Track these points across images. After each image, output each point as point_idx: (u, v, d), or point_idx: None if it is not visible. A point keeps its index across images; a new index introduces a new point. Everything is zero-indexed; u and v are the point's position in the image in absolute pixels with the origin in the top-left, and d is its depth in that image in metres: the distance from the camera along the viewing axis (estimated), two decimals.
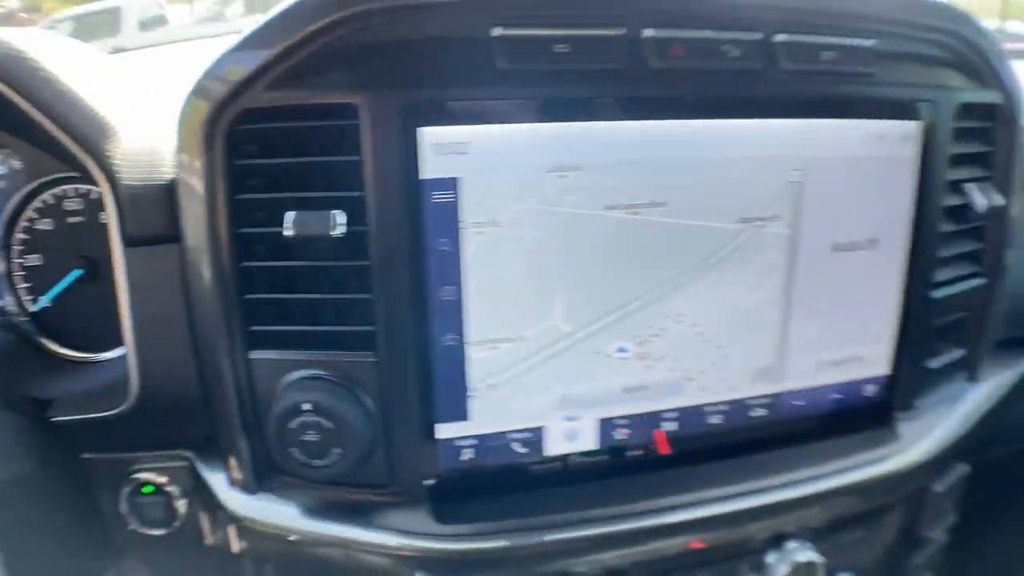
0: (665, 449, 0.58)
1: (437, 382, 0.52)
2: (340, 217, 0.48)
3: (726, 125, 0.52)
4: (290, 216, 0.48)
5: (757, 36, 0.52)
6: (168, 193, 0.52)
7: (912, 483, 0.65)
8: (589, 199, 0.51)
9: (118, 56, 1.02)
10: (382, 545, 0.54)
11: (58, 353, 0.62)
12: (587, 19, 0.49)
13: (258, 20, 0.48)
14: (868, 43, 0.55)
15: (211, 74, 0.48)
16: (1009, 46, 0.69)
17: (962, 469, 0.71)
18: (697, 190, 0.52)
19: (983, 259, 0.67)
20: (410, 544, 0.53)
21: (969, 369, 0.71)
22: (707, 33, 0.51)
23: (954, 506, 0.71)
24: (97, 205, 0.60)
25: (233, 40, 0.49)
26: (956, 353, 0.68)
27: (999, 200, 0.64)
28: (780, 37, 0.52)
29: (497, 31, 0.48)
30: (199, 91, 0.49)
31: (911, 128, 0.57)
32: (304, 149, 0.50)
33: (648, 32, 0.50)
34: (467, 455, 0.54)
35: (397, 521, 0.55)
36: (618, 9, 0.50)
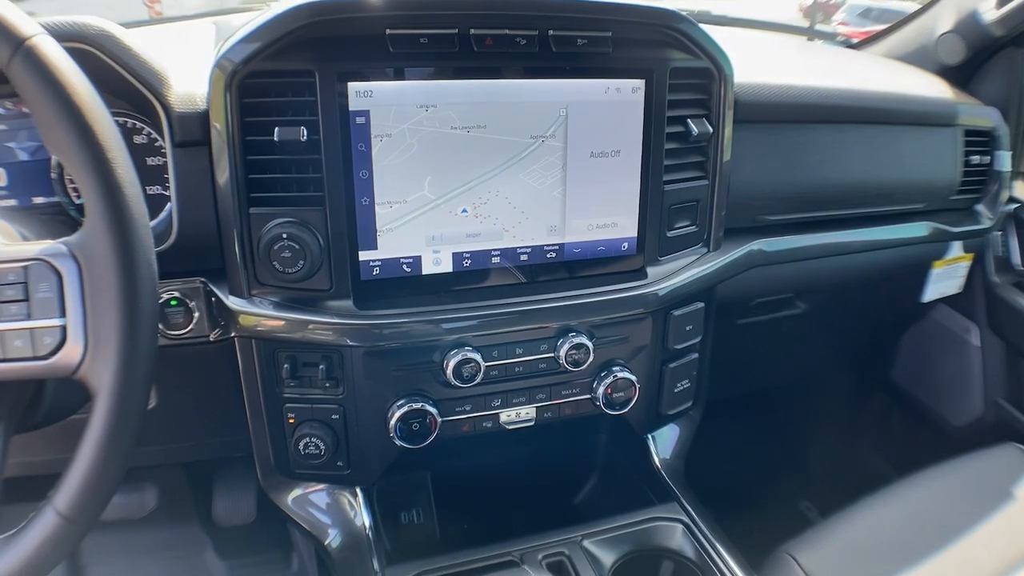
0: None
1: (359, 226, 0.93)
2: (305, 130, 0.89)
3: (520, 83, 0.93)
4: (277, 128, 0.88)
5: (534, 32, 0.93)
6: (202, 118, 0.92)
7: (654, 306, 1.06)
8: (441, 123, 0.92)
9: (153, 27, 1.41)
10: (324, 323, 0.95)
11: None
12: (436, 23, 0.90)
13: (253, 19, 0.89)
14: (607, 33, 0.96)
15: (228, 54, 0.89)
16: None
17: (698, 305, 1.13)
18: (504, 119, 0.94)
19: (706, 168, 1.09)
20: (340, 322, 0.95)
21: (704, 242, 1.13)
22: (505, 31, 0.92)
23: (695, 329, 1.13)
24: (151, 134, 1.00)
25: (239, 28, 0.89)
26: (690, 228, 1.10)
27: (707, 128, 1.05)
28: (550, 32, 0.93)
29: (389, 31, 0.89)
30: (220, 63, 0.88)
31: (638, 83, 0.98)
32: (284, 92, 0.90)
33: (473, 31, 0.91)
34: (375, 271, 0.96)
35: (334, 309, 0.95)
36: (453, 19, 0.91)
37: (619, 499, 1.23)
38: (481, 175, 0.95)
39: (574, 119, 0.96)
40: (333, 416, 0.99)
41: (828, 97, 1.23)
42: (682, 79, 1.02)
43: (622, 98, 0.98)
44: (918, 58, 1.61)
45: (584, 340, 1.02)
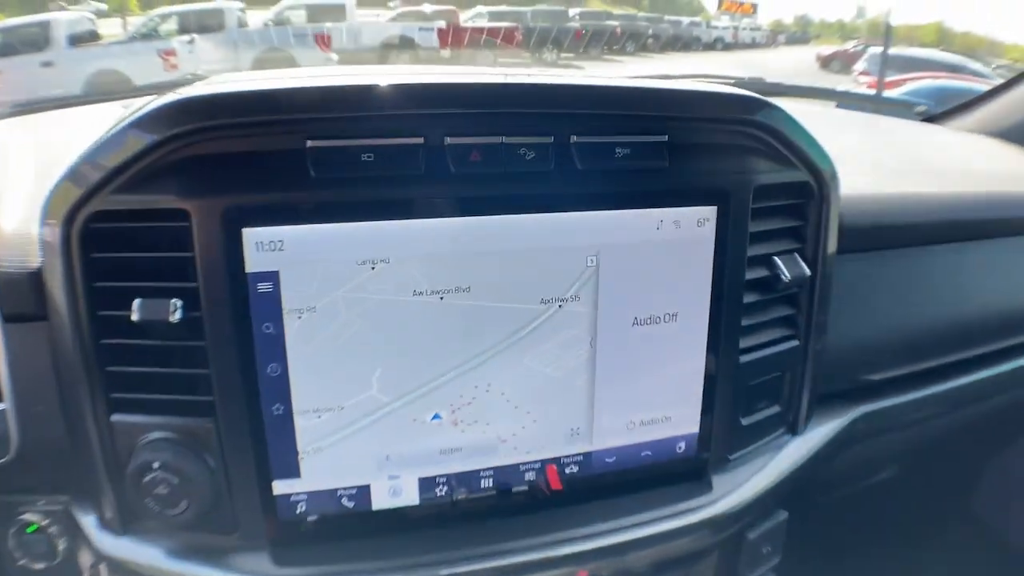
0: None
1: (270, 445, 0.59)
2: (179, 304, 0.55)
3: (523, 219, 0.59)
4: (136, 303, 0.55)
5: (549, 140, 0.59)
6: (37, 278, 0.59)
7: (724, 531, 0.71)
8: (396, 287, 0.57)
9: None
10: None
11: None
12: (390, 128, 0.56)
13: (102, 135, 0.55)
14: (662, 138, 0.62)
15: (67, 177, 0.55)
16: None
17: (780, 515, 0.77)
18: (498, 277, 0.59)
19: (797, 323, 0.74)
20: None
21: (787, 423, 0.78)
22: (503, 139, 0.58)
23: (775, 549, 0.78)
24: None
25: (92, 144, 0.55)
26: (771, 410, 0.75)
27: (804, 271, 0.70)
28: (573, 139, 0.59)
29: (310, 143, 0.55)
30: (58, 192, 0.55)
31: (706, 212, 0.64)
32: (148, 245, 0.56)
33: (449, 140, 0.57)
34: (301, 508, 0.61)
35: (244, 564, 0.61)
36: (417, 122, 0.57)
37: None
38: (463, 363, 0.61)
39: (609, 271, 0.62)
40: None
41: (955, 209, 0.89)
42: (768, 200, 0.68)
43: (682, 236, 0.64)
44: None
45: None
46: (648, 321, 0.65)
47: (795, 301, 0.74)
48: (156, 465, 0.57)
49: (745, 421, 0.73)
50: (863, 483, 1.00)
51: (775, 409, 0.75)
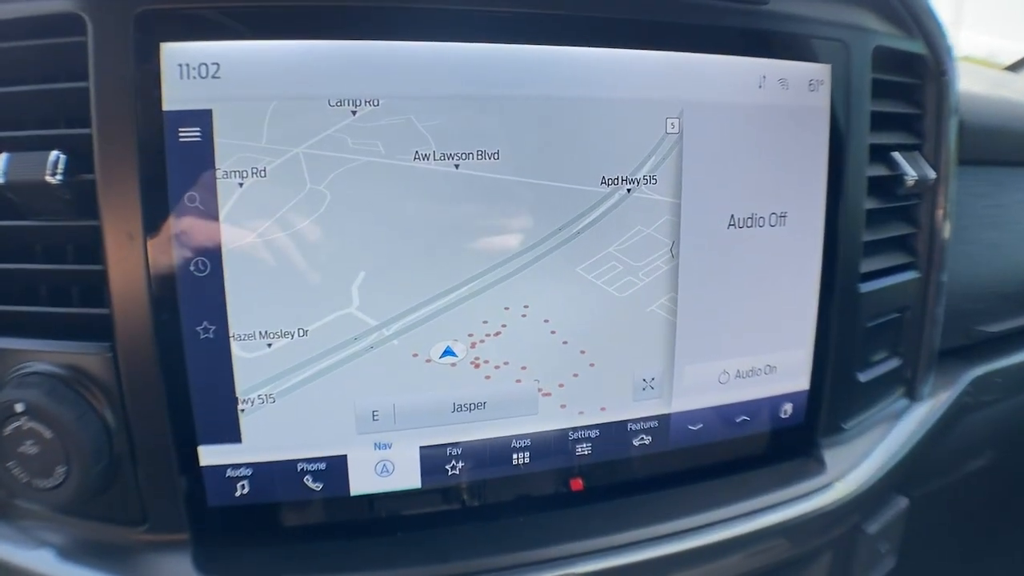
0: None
1: (195, 388, 0.38)
2: (60, 158, 0.36)
3: (577, 54, 0.40)
4: (2, 158, 0.36)
5: None
6: None
7: (842, 523, 0.52)
8: (390, 144, 0.38)
9: None
10: None
11: None
12: None
13: None
14: None
15: None
16: None
17: (900, 503, 0.58)
18: (539, 139, 0.40)
19: (916, 247, 0.56)
20: None
21: (907, 383, 0.59)
22: None
23: (893, 547, 0.58)
24: None
25: None
26: (890, 364, 0.56)
27: (929, 173, 0.53)
28: None
29: None
30: None
31: (820, 72, 0.46)
32: (20, 76, 0.37)
33: None
34: (241, 489, 0.40)
35: (154, 570, 0.40)
36: None
37: None
38: (486, 270, 0.40)
39: (696, 142, 0.43)
40: None
41: None
42: (886, 73, 0.51)
43: (790, 101, 0.45)
44: None
45: None
46: (749, 222, 0.45)
47: (914, 217, 0.56)
48: (20, 408, 0.36)
49: (863, 377, 0.53)
50: (963, 470, 0.80)
51: (894, 363, 0.56)
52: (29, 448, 0.37)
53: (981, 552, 0.89)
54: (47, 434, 0.37)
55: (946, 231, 0.56)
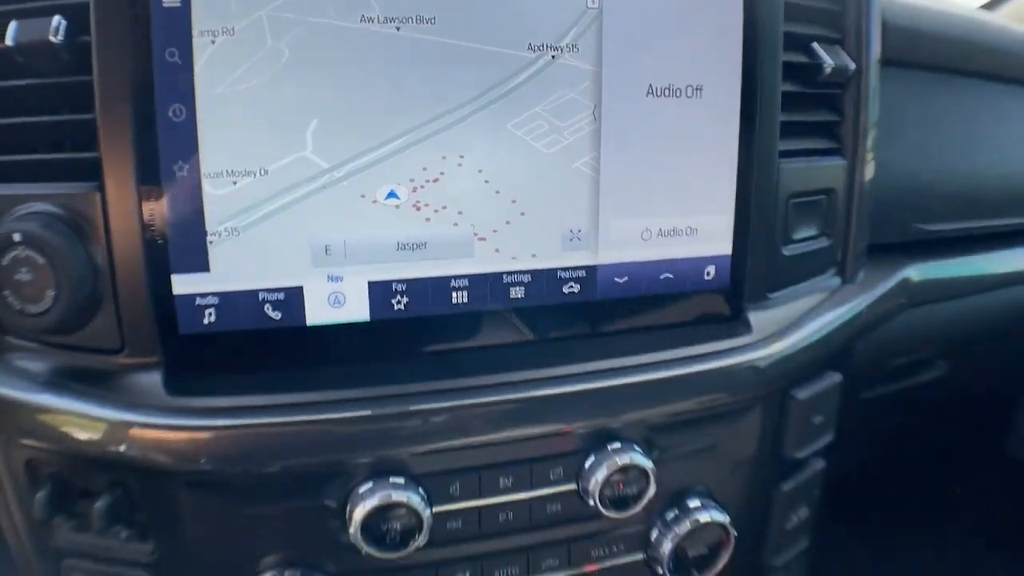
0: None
1: (171, 221, 0.44)
2: (62, 23, 0.43)
3: None
4: (12, 24, 0.43)
5: None
6: None
7: (769, 382, 0.56)
8: (338, 9, 0.43)
9: None
10: (101, 419, 0.45)
11: None
12: None
13: None
14: None
15: None
16: None
17: (833, 378, 0.62)
18: (472, 6, 0.45)
19: (842, 136, 0.61)
20: (132, 419, 0.44)
21: (837, 263, 0.63)
22: None
23: (828, 421, 0.63)
24: None
25: None
26: (818, 243, 0.61)
27: (847, 63, 0.57)
28: None
29: None
30: None
31: None
32: None
33: None
34: (209, 316, 0.46)
35: (127, 395, 0.46)
36: None
37: None
38: (426, 122, 0.46)
39: (616, 17, 0.48)
40: None
41: (1003, 35, 0.75)
42: None
43: None
44: None
45: (637, 456, 0.51)
46: (667, 92, 0.51)
47: (839, 105, 0.61)
48: (18, 238, 0.42)
49: (787, 251, 0.58)
50: (910, 380, 0.84)
51: (823, 242, 0.61)
52: (24, 275, 0.43)
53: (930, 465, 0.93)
54: (40, 260, 0.43)
55: (868, 121, 0.60)
